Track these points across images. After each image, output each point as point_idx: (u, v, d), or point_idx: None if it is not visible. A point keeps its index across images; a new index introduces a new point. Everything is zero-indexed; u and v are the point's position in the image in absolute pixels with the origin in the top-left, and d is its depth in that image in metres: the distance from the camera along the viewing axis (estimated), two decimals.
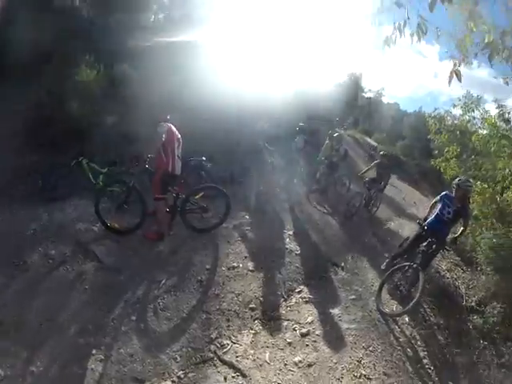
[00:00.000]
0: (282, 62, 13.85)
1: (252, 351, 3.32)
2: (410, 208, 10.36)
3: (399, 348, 3.75)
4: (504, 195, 5.96)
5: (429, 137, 7.92)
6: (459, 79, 2.39)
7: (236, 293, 4.00)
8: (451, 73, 2.42)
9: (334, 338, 3.67)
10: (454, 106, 6.35)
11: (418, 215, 8.99)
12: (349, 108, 21.70)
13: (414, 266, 4.20)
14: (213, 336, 3.40)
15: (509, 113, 6.66)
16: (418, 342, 3.94)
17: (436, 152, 9.39)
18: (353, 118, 22.76)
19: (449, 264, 6.42)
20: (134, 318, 3.40)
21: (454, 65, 2.45)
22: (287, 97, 10.58)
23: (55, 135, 5.83)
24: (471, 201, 6.46)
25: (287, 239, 5.40)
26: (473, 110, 6.07)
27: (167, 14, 13.86)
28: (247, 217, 5.91)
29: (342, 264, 5.08)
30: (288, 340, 3.54)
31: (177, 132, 4.48)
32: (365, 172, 7.54)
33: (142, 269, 4.04)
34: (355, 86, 24.83)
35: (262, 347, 3.40)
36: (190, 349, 3.21)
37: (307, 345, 3.53)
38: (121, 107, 6.91)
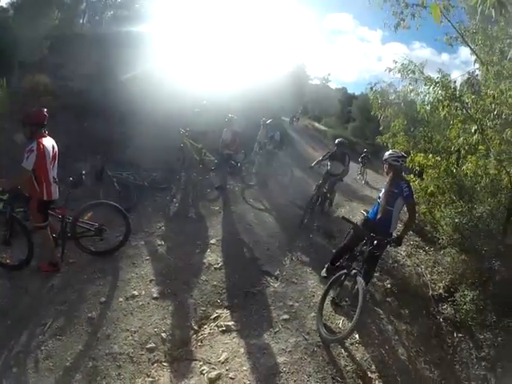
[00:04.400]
0: (219, 55, 13.06)
1: None
2: (363, 189, 9.70)
3: (346, 381, 2.77)
4: (463, 167, 5.23)
5: (372, 113, 7.06)
6: None
7: (132, 330, 3.11)
8: None
9: (253, 382, 2.67)
10: (390, 70, 5.36)
11: (372, 196, 8.32)
12: (297, 97, 21.30)
13: (352, 272, 3.17)
14: None
15: (455, 82, 5.94)
16: (373, 366, 2.98)
17: (382, 128, 8.78)
18: (302, 106, 22.53)
19: (409, 248, 5.84)
20: (15, 370, 2.75)
21: None
22: (222, 90, 9.89)
23: None
24: (425, 176, 5.78)
25: (208, 250, 4.30)
26: (412, 72, 5.17)
27: None
28: (163, 228, 4.91)
29: (277, 272, 4.05)
30: None
31: (53, 148, 3.64)
32: (316, 163, 6.03)
33: (30, 309, 3.30)
34: (301, 75, 24.46)
35: None
36: None
37: None
38: None
